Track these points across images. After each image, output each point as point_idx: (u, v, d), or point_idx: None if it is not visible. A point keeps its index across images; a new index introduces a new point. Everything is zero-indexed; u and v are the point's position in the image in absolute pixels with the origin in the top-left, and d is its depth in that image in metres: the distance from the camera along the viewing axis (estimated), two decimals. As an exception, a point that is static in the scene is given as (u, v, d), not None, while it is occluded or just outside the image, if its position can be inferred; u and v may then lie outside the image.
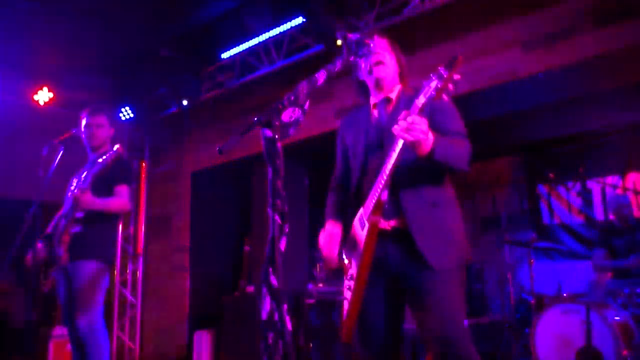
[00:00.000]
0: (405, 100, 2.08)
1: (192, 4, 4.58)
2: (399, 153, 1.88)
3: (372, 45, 2.07)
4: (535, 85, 4.05)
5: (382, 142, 2.06)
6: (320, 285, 4.98)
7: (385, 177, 1.90)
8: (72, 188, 3.32)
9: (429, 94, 1.83)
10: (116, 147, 3.03)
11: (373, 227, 1.92)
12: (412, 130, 1.78)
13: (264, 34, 4.91)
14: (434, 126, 1.98)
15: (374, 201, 1.93)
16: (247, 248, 6.17)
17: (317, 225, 6.14)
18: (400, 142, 1.87)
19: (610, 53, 3.46)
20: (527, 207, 5.88)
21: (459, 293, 1.97)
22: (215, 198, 6.57)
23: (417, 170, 1.99)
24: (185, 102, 5.70)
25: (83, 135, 3.44)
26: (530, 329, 3.95)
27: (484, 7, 4.07)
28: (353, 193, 2.13)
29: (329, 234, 2.17)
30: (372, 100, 2.21)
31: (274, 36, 4.92)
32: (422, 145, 1.83)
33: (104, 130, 3.46)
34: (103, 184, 3.23)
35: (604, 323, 3.56)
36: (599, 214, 5.44)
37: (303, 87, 1.64)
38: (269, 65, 5.14)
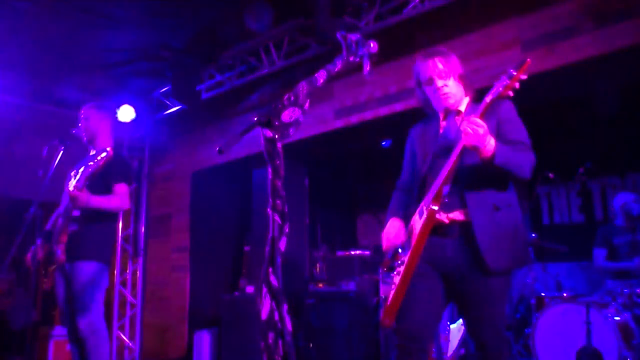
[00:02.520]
0: (473, 112, 2.15)
1: (192, 3, 4.58)
2: (460, 154, 1.98)
3: (434, 73, 2.19)
4: (535, 85, 4.04)
5: (449, 149, 2.12)
6: (320, 285, 4.98)
7: (446, 172, 1.98)
8: (69, 185, 3.31)
9: (497, 91, 1.97)
10: (107, 150, 3.00)
11: (431, 214, 1.99)
12: (475, 127, 1.89)
13: (264, 34, 4.91)
14: (500, 135, 2.10)
15: (434, 192, 2.01)
16: (247, 248, 6.17)
17: (317, 225, 6.11)
18: (462, 144, 1.96)
19: (610, 53, 3.46)
20: (527, 207, 5.88)
21: (507, 295, 2.11)
22: (215, 198, 6.57)
23: (481, 173, 2.06)
24: (185, 103, 5.70)
25: (77, 131, 3.44)
26: (530, 329, 3.95)
27: (484, 7, 4.07)
28: (417, 192, 2.20)
29: (391, 226, 2.23)
30: (442, 114, 2.29)
31: (274, 36, 4.92)
32: (481, 148, 1.91)
33: (92, 123, 3.43)
34: (101, 183, 3.22)
35: (604, 323, 3.56)
36: (599, 214, 5.44)
37: (303, 87, 1.64)
38: (269, 65, 5.14)
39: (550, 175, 4.45)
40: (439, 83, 2.19)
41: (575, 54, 3.59)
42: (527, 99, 4.52)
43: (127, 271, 6.63)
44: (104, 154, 2.97)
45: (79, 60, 5.40)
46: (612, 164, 5.23)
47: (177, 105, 6.00)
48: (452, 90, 2.21)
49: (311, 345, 4.69)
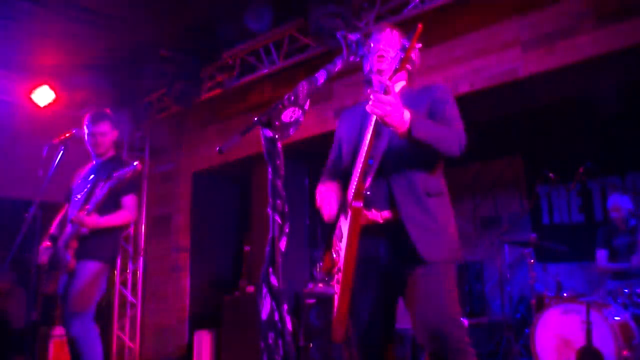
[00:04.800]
0: (407, 97, 2.04)
1: (192, 3, 4.58)
2: (374, 135, 1.86)
3: (377, 38, 2.07)
4: (535, 85, 4.05)
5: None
6: (320, 285, 4.98)
7: (362, 162, 1.87)
8: (78, 197, 3.31)
9: (394, 67, 1.81)
10: (135, 163, 3.03)
11: (355, 213, 1.87)
12: (380, 104, 1.75)
13: (264, 34, 4.92)
14: (431, 116, 1.98)
15: (354, 188, 1.89)
16: (247, 248, 6.17)
17: (317, 225, 6.10)
18: (373, 120, 1.84)
19: (610, 53, 3.46)
20: (527, 207, 5.88)
21: (452, 287, 1.93)
22: (215, 198, 6.57)
23: (408, 158, 1.95)
24: (185, 102, 5.70)
25: (87, 143, 3.45)
26: (530, 329, 3.95)
27: (484, 7, 4.07)
28: (343, 182, 2.09)
29: (325, 191, 2.08)
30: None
31: (273, 36, 4.92)
32: (394, 121, 1.78)
33: (108, 138, 3.47)
34: (111, 193, 3.21)
35: (604, 323, 3.56)
36: (599, 214, 5.43)
37: (303, 87, 1.64)
38: (269, 65, 5.14)
39: (551, 175, 4.45)
40: (382, 46, 2.06)
41: (575, 54, 3.59)
42: (527, 99, 4.54)
43: (127, 271, 6.62)
44: (130, 170, 2.97)
45: (79, 60, 5.40)
46: (612, 164, 5.22)
47: (177, 105, 5.99)
48: (388, 58, 2.04)
49: (311, 345, 4.69)
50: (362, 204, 1.88)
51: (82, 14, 4.56)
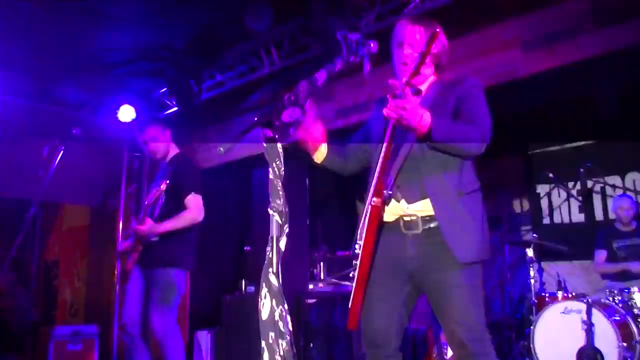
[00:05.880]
0: (435, 92, 2.04)
1: (192, 3, 4.58)
2: (392, 137, 1.86)
3: (399, 39, 2.05)
4: (535, 85, 4.05)
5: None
6: (321, 285, 4.98)
7: (382, 161, 1.87)
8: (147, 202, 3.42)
9: (410, 70, 1.80)
10: (163, 186, 3.14)
11: (374, 211, 1.87)
12: (395, 107, 1.72)
13: (264, 34, 4.91)
14: (456, 114, 1.97)
15: (374, 185, 1.89)
16: (247, 248, 6.17)
17: (317, 225, 6.10)
18: (391, 122, 1.84)
19: (610, 53, 3.46)
20: (527, 207, 5.88)
21: (481, 289, 1.94)
22: (215, 198, 6.56)
23: (437, 156, 1.92)
24: (184, 102, 5.71)
25: (145, 153, 3.51)
26: (530, 329, 3.95)
27: (484, 7, 4.07)
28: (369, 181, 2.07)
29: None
30: None
31: (273, 36, 4.92)
32: (412, 125, 1.74)
33: (161, 141, 3.49)
34: (174, 195, 3.31)
35: (604, 323, 3.56)
36: (599, 214, 5.44)
37: (303, 87, 1.64)
38: (269, 65, 5.14)
39: (551, 175, 4.46)
40: (406, 51, 2.02)
41: (575, 54, 3.59)
42: (527, 99, 4.54)
43: (127, 271, 6.62)
44: (162, 187, 3.11)
45: (79, 60, 5.40)
46: (612, 164, 5.23)
47: (177, 105, 5.99)
48: (411, 65, 2.00)
49: (311, 345, 4.69)
50: (380, 202, 1.88)
51: (82, 14, 4.56)
